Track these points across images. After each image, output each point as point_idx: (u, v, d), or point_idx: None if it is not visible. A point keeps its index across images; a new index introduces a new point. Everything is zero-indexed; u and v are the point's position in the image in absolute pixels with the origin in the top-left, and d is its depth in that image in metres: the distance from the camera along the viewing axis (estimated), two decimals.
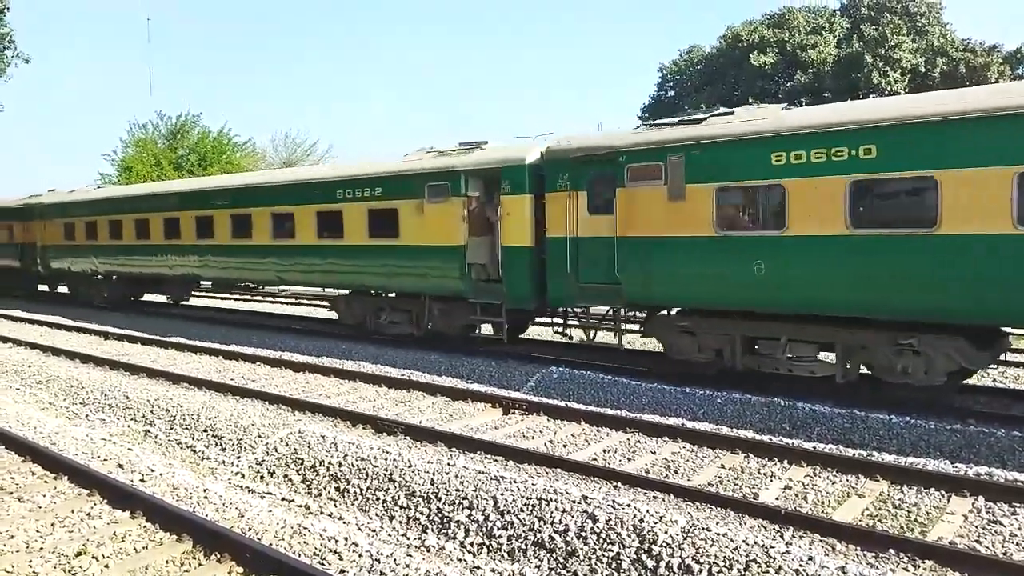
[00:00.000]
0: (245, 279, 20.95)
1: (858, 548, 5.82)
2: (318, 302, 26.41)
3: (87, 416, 10.97)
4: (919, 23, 42.03)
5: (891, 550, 5.71)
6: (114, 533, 6.39)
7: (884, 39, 40.57)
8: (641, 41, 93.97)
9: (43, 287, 30.92)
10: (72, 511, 6.93)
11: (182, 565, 5.85)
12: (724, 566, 5.33)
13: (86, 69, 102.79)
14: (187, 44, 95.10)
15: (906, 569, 5.49)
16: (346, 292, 16.93)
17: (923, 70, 40.64)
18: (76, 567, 5.80)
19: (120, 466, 8.40)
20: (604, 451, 8.62)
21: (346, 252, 15.71)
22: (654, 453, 8.46)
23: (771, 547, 5.45)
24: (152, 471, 8.20)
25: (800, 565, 5.21)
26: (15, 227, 28.52)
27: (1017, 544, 5.95)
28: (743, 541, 5.55)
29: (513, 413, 10.32)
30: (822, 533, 6.06)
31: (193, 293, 29.09)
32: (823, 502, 6.97)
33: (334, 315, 17.80)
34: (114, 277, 24.39)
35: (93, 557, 5.94)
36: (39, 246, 26.71)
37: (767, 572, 5.20)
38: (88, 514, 6.85)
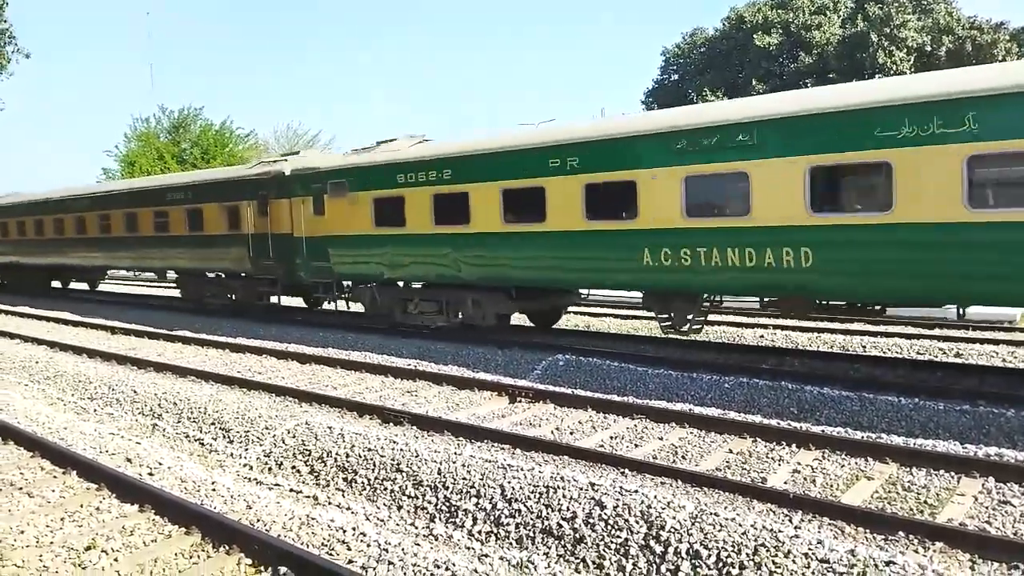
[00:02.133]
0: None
1: (867, 531, 5.79)
2: None
3: (95, 411, 11.01)
4: (924, 1, 41.55)
5: (900, 532, 5.68)
6: (123, 527, 6.41)
7: (889, 18, 40.15)
8: (644, 29, 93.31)
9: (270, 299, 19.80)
10: (81, 505, 6.96)
11: (191, 557, 5.87)
12: (732, 551, 5.31)
13: (87, 67, 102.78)
14: (188, 43, 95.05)
15: (916, 551, 5.46)
16: None
17: (929, 49, 40.24)
18: (86, 561, 5.82)
19: (128, 460, 8.43)
20: (611, 438, 8.60)
21: None
22: (661, 439, 8.44)
23: (780, 531, 5.43)
24: (160, 464, 8.22)
25: (809, 549, 5.18)
26: (244, 209, 18.10)
27: None
28: (751, 526, 5.53)
29: (520, 401, 10.31)
30: (831, 516, 6.03)
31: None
32: (832, 485, 6.94)
33: None
34: (441, 286, 14.68)
35: (102, 551, 5.97)
36: (302, 238, 16.63)
37: (776, 556, 5.18)
38: (97, 508, 6.88)
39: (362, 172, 15.39)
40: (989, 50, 38.83)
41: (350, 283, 16.70)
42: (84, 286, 32.12)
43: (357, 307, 17.67)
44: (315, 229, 16.33)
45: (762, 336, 14.83)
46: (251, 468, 8.24)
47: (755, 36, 43.01)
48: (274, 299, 19.61)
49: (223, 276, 20.26)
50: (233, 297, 20.21)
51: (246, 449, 8.70)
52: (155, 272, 25.23)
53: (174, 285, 23.55)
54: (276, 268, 17.59)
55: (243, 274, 19.04)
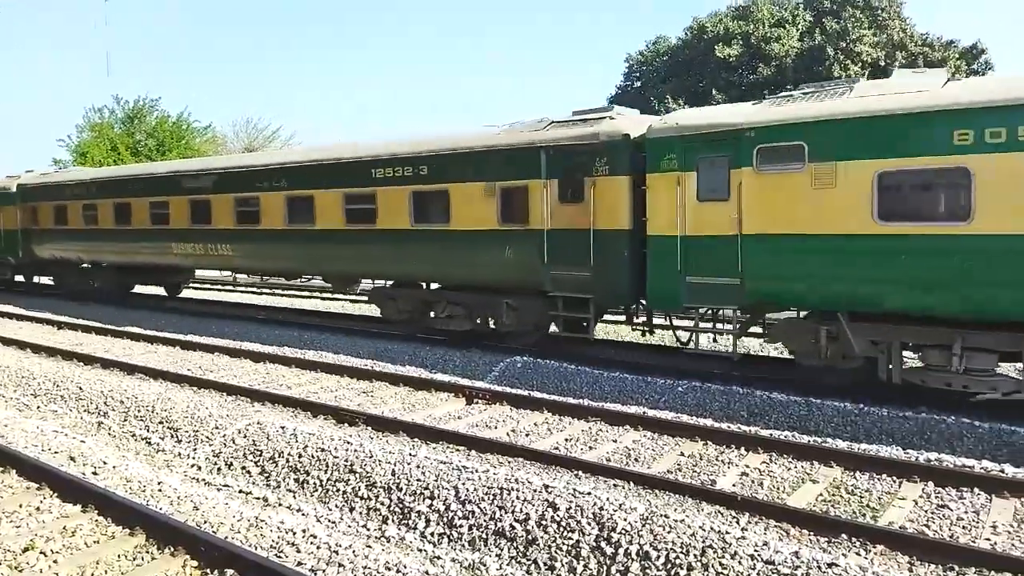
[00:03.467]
0: None
1: (811, 533, 5.93)
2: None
3: (38, 407, 10.68)
4: (880, 17, 42.77)
5: (843, 535, 5.84)
6: (64, 527, 6.22)
7: (846, 32, 41.24)
8: (612, 30, 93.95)
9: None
10: (20, 505, 6.73)
11: (134, 559, 5.72)
12: (681, 552, 5.39)
13: (40, 55, 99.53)
14: (147, 31, 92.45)
15: (858, 553, 5.61)
16: None
17: (883, 64, 41.39)
18: (23, 563, 5.64)
19: (72, 459, 8.19)
20: (566, 440, 8.65)
21: None
22: (615, 441, 8.52)
23: (727, 533, 5.53)
24: (105, 464, 8.01)
25: (755, 550, 5.29)
26: (535, 192, 12.21)
27: (963, 527, 6.13)
28: (700, 527, 5.62)
29: (476, 403, 10.30)
30: (777, 519, 6.17)
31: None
32: (779, 488, 7.09)
33: None
34: None
35: (41, 552, 5.79)
36: (675, 238, 10.67)
37: (723, 558, 5.27)
38: (37, 508, 6.67)
39: (852, 128, 9.21)
40: (940, 67, 40.14)
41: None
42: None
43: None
44: (701, 224, 10.48)
45: (715, 340, 15.04)
46: (199, 468, 8.07)
47: (716, 47, 43.75)
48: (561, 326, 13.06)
49: (462, 290, 13.81)
50: (492, 323, 13.63)
51: (195, 449, 8.53)
52: (335, 281, 17.51)
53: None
54: (595, 283, 11.74)
55: (519, 289, 12.82)
